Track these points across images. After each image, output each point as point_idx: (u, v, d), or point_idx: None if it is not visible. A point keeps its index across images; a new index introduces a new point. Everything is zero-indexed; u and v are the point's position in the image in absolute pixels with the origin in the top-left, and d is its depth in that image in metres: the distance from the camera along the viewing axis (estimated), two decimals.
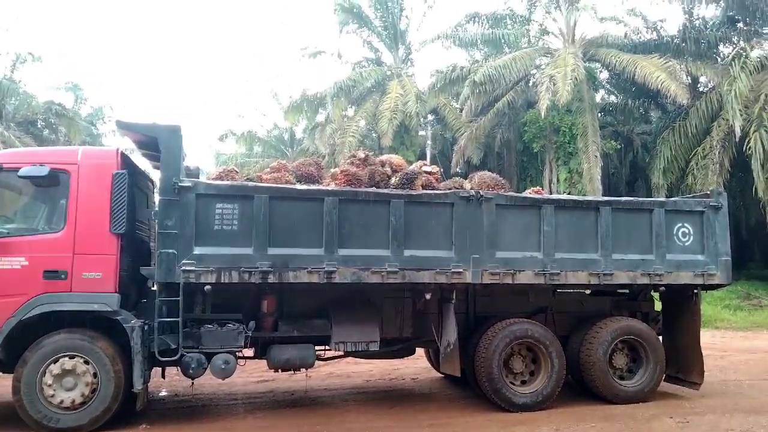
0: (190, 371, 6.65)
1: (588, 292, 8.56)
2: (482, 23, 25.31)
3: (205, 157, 39.16)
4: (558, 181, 22.69)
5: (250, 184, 6.92)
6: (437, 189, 7.45)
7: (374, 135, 26.86)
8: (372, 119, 25.52)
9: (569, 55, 21.13)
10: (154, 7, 72.34)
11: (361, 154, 7.65)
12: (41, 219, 6.63)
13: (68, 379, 6.20)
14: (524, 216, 7.40)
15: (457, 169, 23.29)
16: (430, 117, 26.84)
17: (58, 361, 6.18)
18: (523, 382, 7.55)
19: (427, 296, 7.33)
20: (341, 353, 7.60)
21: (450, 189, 7.41)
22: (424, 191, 7.24)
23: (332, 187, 7.10)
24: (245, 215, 6.66)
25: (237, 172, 7.31)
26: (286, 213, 6.79)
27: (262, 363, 7.59)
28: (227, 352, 6.76)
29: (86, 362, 6.25)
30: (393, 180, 7.34)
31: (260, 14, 70.68)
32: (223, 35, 75.79)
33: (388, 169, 7.46)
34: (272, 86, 36.48)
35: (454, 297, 7.38)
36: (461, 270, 7.10)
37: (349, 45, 54.75)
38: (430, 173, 7.65)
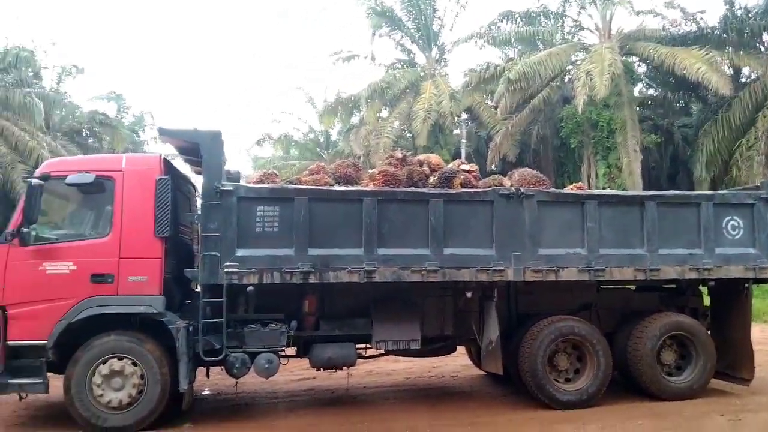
0: (235, 371, 6.75)
1: (633, 287, 8.37)
2: (516, 21, 25.02)
3: (243, 161, 39.71)
4: (597, 176, 22.28)
5: (290, 186, 6.98)
6: (476, 187, 7.38)
7: (408, 135, 26.84)
8: (406, 120, 25.53)
9: (606, 49, 20.75)
10: (192, 16, 73.83)
11: (399, 154, 7.63)
12: (88, 225, 6.81)
13: (116, 379, 6.35)
14: (567, 212, 7.28)
15: (493, 167, 23.08)
16: (464, 116, 26.67)
17: (107, 361, 6.33)
18: (568, 380, 7.42)
19: (468, 294, 7.28)
20: (382, 352, 7.58)
21: (489, 187, 7.33)
22: (463, 189, 7.18)
23: (370, 187, 7.10)
24: (286, 217, 6.72)
25: (277, 175, 7.39)
26: (326, 214, 6.83)
27: (303, 361, 7.66)
28: (270, 352, 6.83)
29: (134, 364, 6.38)
30: (431, 179, 7.30)
31: (295, 20, 71.48)
32: (259, 42, 76.82)
33: (426, 169, 7.43)
34: (307, 91, 36.69)
35: (495, 295, 7.30)
36: (502, 268, 7.02)
37: (383, 48, 54.87)
38: (468, 171, 7.59)
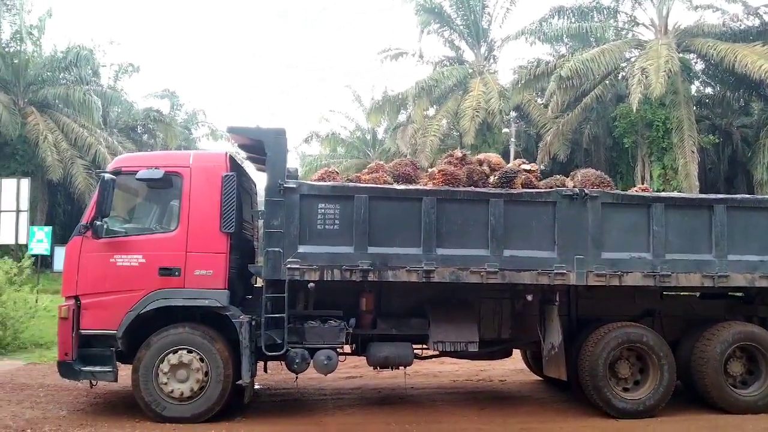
0: (295, 366, 6.84)
1: (698, 295, 8.12)
2: (567, 17, 24.57)
3: (291, 159, 40.14)
4: (651, 177, 21.72)
5: (351, 184, 7.02)
6: (537, 187, 7.27)
7: (456, 134, 26.70)
8: (454, 118, 25.40)
9: (662, 46, 20.19)
10: (244, 15, 74.98)
11: (459, 153, 7.59)
12: (156, 219, 6.99)
13: (182, 371, 6.49)
14: (632, 215, 7.11)
15: (542, 166, 22.74)
16: (513, 114, 26.40)
17: (177, 352, 6.50)
18: (626, 390, 7.19)
19: (528, 297, 7.21)
20: (437, 353, 7.55)
21: (551, 187, 7.22)
22: (525, 190, 7.09)
23: (430, 186, 7.08)
24: (346, 215, 6.77)
25: (338, 173, 7.45)
26: (385, 213, 6.85)
27: (350, 360, 7.71)
28: (329, 348, 6.89)
29: (201, 360, 6.52)
30: (491, 179, 7.23)
31: (341, 19, 71.90)
32: (306, 41, 77.56)
33: (486, 168, 7.37)
34: (355, 89, 36.99)
35: (557, 299, 7.20)
36: (564, 271, 6.91)
37: (431, 45, 54.71)
38: (529, 171, 7.48)
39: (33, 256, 14.57)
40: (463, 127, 23.81)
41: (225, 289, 6.65)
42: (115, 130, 30.70)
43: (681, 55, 21.41)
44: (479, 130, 24.13)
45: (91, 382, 6.78)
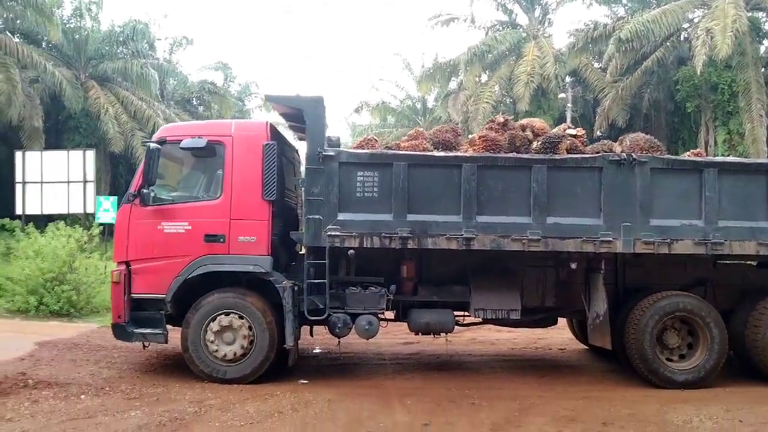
0: (337, 330, 6.97)
1: (754, 263, 7.76)
2: None
3: (342, 129, 40.28)
4: (716, 143, 20.68)
5: (389, 151, 6.99)
6: (583, 153, 7.05)
7: (509, 100, 26.10)
8: (507, 84, 24.82)
9: (729, 5, 18.94)
10: None
11: (500, 119, 7.41)
12: (201, 187, 7.18)
13: (228, 334, 6.72)
14: (683, 181, 6.83)
15: (599, 132, 22.05)
16: (569, 79, 25.50)
17: (216, 319, 6.71)
18: (682, 357, 7.01)
19: (573, 266, 7.07)
20: (480, 320, 7.53)
21: (598, 153, 6.98)
22: (569, 155, 6.89)
23: (470, 153, 6.97)
24: (385, 182, 6.76)
25: (377, 140, 7.42)
26: (425, 180, 6.81)
27: (405, 325, 7.71)
28: (370, 314, 6.97)
29: (240, 317, 6.72)
30: (534, 144, 7.05)
31: None
32: (356, 10, 77.07)
33: (529, 134, 7.18)
34: (404, 57, 36.70)
35: (602, 267, 7.02)
36: (611, 239, 6.73)
37: (483, 9, 53.33)
38: (575, 136, 7.26)
39: (101, 224, 15.25)
40: (517, 93, 23.25)
41: (268, 255, 6.79)
42: (171, 103, 31.36)
43: (750, 14, 20.11)
44: (534, 96, 23.52)
45: (143, 344, 7.08)
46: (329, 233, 6.68)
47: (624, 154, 6.83)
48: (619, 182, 6.75)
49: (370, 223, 6.75)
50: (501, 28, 27.06)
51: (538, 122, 7.39)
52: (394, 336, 9.46)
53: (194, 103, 34.43)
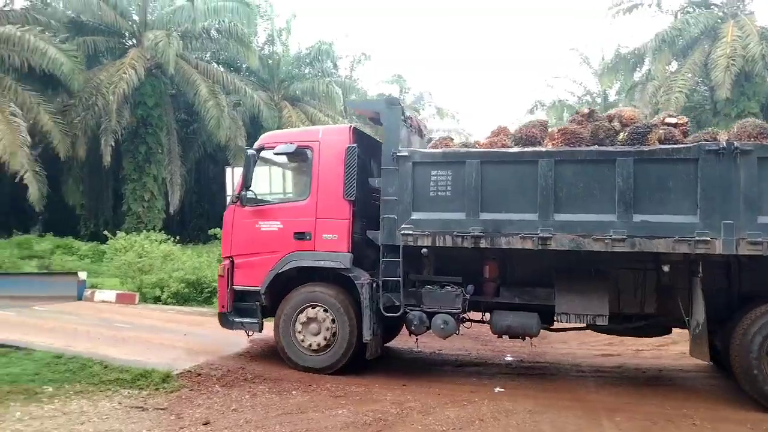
0: (413, 327, 7.11)
1: None
2: None
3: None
4: None
5: (461, 150, 6.97)
6: (682, 143, 6.33)
7: (704, 88, 23.57)
8: (701, 71, 22.52)
9: None
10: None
11: (585, 110, 6.95)
12: (292, 189, 7.83)
13: (314, 325, 7.23)
14: None
15: None
16: None
17: (303, 311, 7.26)
18: None
19: (665, 268, 6.42)
20: (579, 326, 7.09)
21: (697, 142, 6.23)
22: (659, 146, 6.24)
23: (549, 147, 6.65)
24: (458, 181, 6.76)
25: (452, 139, 7.42)
26: (499, 177, 6.67)
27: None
28: (446, 313, 6.98)
29: (325, 310, 7.19)
30: (621, 136, 6.50)
31: None
32: (527, 7, 75.13)
33: (616, 124, 6.63)
34: (582, 51, 35.02)
35: (700, 269, 6.24)
36: (708, 238, 5.97)
37: None
38: (675, 125, 6.55)
39: None
40: (716, 79, 20.97)
41: (348, 252, 7.17)
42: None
43: None
44: (735, 81, 21.03)
45: (247, 333, 7.87)
46: (403, 232, 6.86)
47: (723, 142, 6.00)
48: (719, 174, 5.96)
49: (442, 222, 6.79)
50: (692, 9, 24.60)
51: (628, 111, 6.79)
52: (591, 347, 9.13)
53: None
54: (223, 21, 23.21)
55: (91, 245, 19.49)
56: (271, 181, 8.10)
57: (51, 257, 17.78)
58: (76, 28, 22.30)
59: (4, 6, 22.39)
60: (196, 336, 9.07)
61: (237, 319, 7.61)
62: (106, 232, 17.80)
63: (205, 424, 5.40)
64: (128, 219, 21.79)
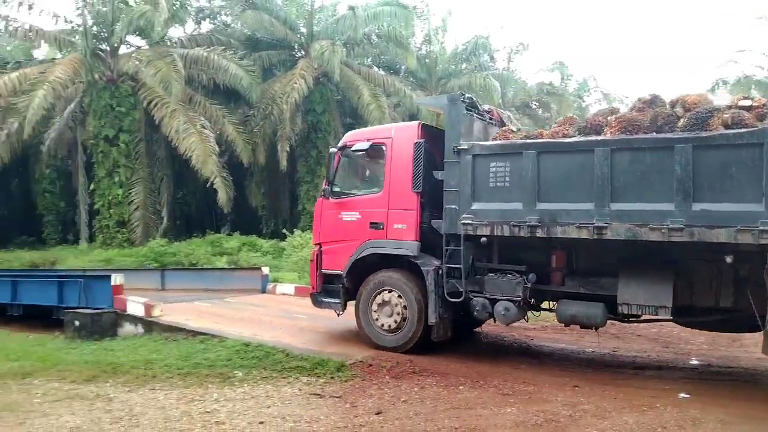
0: (475, 313, 7.45)
1: None
2: None
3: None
4: None
5: (519, 141, 7.10)
6: (753, 127, 5.90)
7: None
8: None
9: None
10: None
11: (647, 96, 6.68)
12: (368, 183, 8.48)
13: (387, 308, 7.88)
14: None
15: None
16: None
17: (379, 294, 7.93)
18: None
19: (728, 259, 6.06)
20: (637, 315, 6.92)
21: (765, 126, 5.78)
22: (719, 132, 5.89)
23: (607, 136, 6.55)
24: (516, 172, 6.96)
25: (513, 131, 7.54)
26: (554, 167, 6.75)
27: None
28: (508, 300, 7.20)
29: (398, 295, 7.79)
30: (681, 121, 6.21)
31: None
32: None
33: (679, 110, 6.32)
34: None
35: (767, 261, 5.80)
36: None
37: None
38: (750, 107, 6.10)
39: None
40: None
41: (416, 241, 7.68)
42: (512, 108, 32.98)
43: None
44: None
45: (337, 313, 8.67)
46: (463, 222, 7.21)
47: None
48: None
49: (501, 212, 7.02)
50: None
51: (692, 97, 6.38)
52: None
53: (533, 106, 35.56)
54: (382, 25, 24.21)
55: (272, 242, 21.00)
56: (352, 176, 8.83)
57: (238, 254, 19.53)
58: (252, 45, 24.75)
59: (193, 31, 25.84)
60: None
61: (324, 299, 8.48)
62: (284, 231, 19.51)
63: (378, 413, 5.63)
64: (303, 218, 23.04)
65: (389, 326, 7.83)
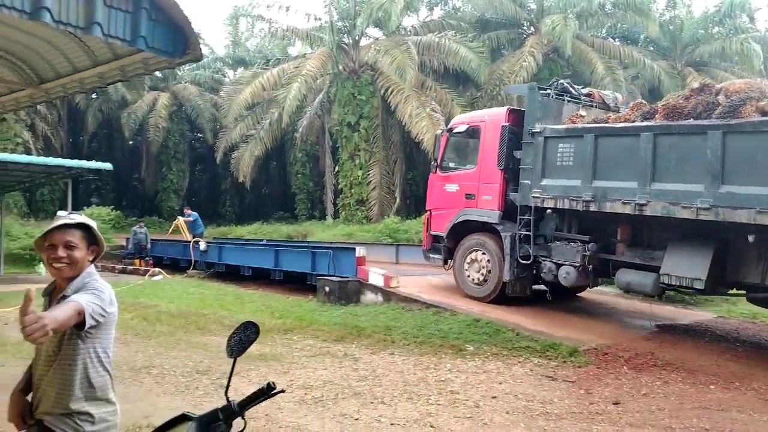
0: (542, 275, 8.60)
1: None
2: None
3: None
4: None
5: (580, 125, 7.99)
6: None
7: None
8: None
9: None
10: None
11: (696, 84, 7.09)
12: (466, 160, 9.90)
13: (476, 265, 9.36)
14: None
15: None
16: None
17: (471, 253, 9.45)
18: None
19: (750, 239, 6.46)
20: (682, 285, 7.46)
21: None
22: (746, 119, 6.29)
23: (656, 122, 7.20)
24: (578, 153, 7.94)
25: (582, 116, 8.34)
26: (608, 150, 7.63)
27: None
28: (569, 265, 8.23)
29: (484, 254, 9.23)
30: (718, 109, 6.65)
31: None
32: None
33: (721, 98, 6.70)
34: None
35: None
36: None
37: None
38: None
39: None
40: None
41: (498, 210, 9.02)
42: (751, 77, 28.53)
43: None
44: None
45: (444, 267, 10.30)
46: (533, 195, 8.38)
47: None
48: None
49: (564, 187, 8.06)
50: None
51: (737, 84, 6.69)
52: None
53: None
54: None
55: None
56: (455, 154, 10.31)
57: None
58: (481, 26, 24.76)
59: (426, 18, 27.03)
60: (602, 316, 9.45)
61: (431, 255, 10.24)
62: None
63: (615, 403, 5.40)
64: None
65: (477, 280, 9.32)
